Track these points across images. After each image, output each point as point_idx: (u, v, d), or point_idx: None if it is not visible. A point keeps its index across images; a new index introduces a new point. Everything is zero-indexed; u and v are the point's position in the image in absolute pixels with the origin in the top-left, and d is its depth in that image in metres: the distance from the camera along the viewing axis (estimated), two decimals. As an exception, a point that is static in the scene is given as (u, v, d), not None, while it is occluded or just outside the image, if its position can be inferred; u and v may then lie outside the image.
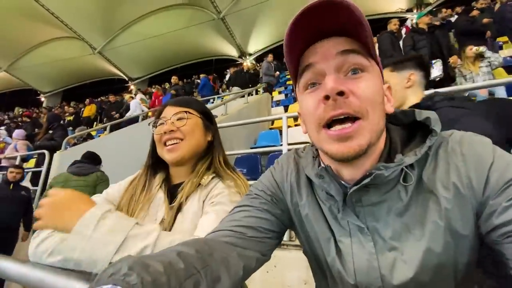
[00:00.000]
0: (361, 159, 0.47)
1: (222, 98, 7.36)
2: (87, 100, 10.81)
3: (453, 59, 3.60)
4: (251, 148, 4.09)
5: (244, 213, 0.57)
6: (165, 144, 0.80)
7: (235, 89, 7.65)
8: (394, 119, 0.55)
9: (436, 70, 3.35)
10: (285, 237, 1.99)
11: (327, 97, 0.44)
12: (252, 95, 6.71)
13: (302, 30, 0.45)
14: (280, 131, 3.97)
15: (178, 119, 0.82)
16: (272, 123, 5.26)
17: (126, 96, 8.86)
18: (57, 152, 4.45)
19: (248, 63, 13.84)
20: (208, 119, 0.90)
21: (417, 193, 0.47)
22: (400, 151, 0.49)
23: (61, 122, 4.96)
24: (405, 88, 1.24)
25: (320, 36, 0.47)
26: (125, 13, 12.98)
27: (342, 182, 0.51)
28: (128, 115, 7.15)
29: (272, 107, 6.68)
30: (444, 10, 6.95)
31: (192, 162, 0.84)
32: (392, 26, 4.24)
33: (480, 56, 3.64)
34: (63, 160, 4.36)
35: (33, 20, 12.78)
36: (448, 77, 3.67)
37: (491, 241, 0.43)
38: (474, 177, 0.44)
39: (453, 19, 6.89)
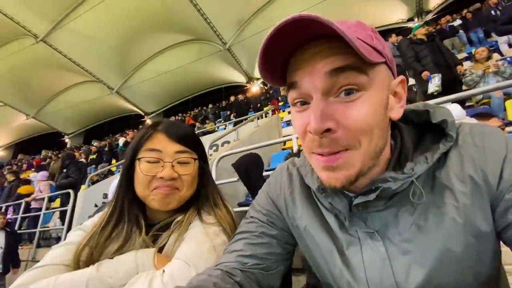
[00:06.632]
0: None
1: (234, 124, 7.50)
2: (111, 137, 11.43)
3: (459, 68, 3.58)
4: (266, 170, 4.09)
5: (243, 241, 0.56)
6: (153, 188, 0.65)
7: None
8: (403, 117, 0.49)
9: (434, 85, 3.30)
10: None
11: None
12: (262, 118, 6.82)
13: (279, 42, 0.38)
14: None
15: (180, 163, 0.66)
16: (284, 144, 5.26)
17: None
18: (81, 190, 4.65)
19: (257, 87, 14.30)
20: (204, 159, 0.75)
21: (430, 190, 0.43)
22: (411, 156, 0.45)
23: (74, 159, 5.34)
24: None
25: (306, 40, 0.39)
26: (138, 54, 13.95)
27: (346, 192, 0.48)
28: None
29: (282, 127, 6.72)
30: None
31: None
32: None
33: (490, 58, 3.62)
34: (86, 197, 4.55)
35: (56, 69, 13.96)
36: (458, 81, 3.60)
37: (506, 239, 0.40)
38: (489, 170, 0.41)
39: (455, 24, 6.93)
